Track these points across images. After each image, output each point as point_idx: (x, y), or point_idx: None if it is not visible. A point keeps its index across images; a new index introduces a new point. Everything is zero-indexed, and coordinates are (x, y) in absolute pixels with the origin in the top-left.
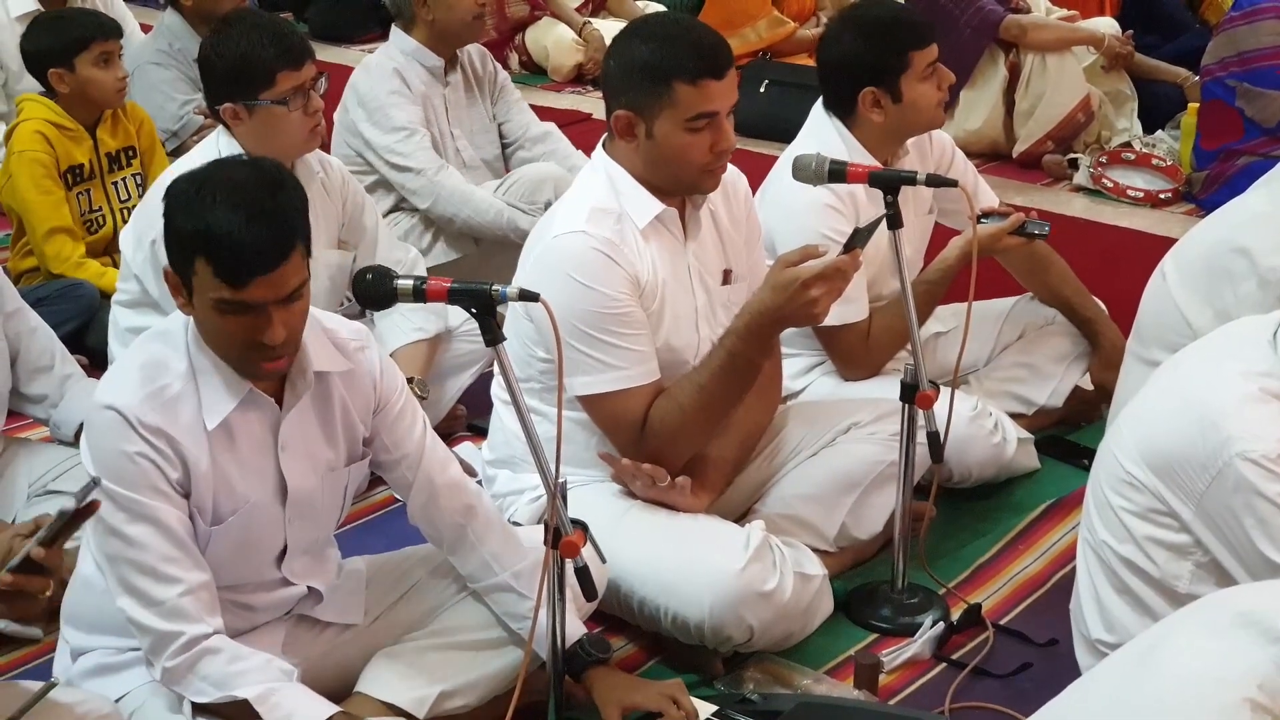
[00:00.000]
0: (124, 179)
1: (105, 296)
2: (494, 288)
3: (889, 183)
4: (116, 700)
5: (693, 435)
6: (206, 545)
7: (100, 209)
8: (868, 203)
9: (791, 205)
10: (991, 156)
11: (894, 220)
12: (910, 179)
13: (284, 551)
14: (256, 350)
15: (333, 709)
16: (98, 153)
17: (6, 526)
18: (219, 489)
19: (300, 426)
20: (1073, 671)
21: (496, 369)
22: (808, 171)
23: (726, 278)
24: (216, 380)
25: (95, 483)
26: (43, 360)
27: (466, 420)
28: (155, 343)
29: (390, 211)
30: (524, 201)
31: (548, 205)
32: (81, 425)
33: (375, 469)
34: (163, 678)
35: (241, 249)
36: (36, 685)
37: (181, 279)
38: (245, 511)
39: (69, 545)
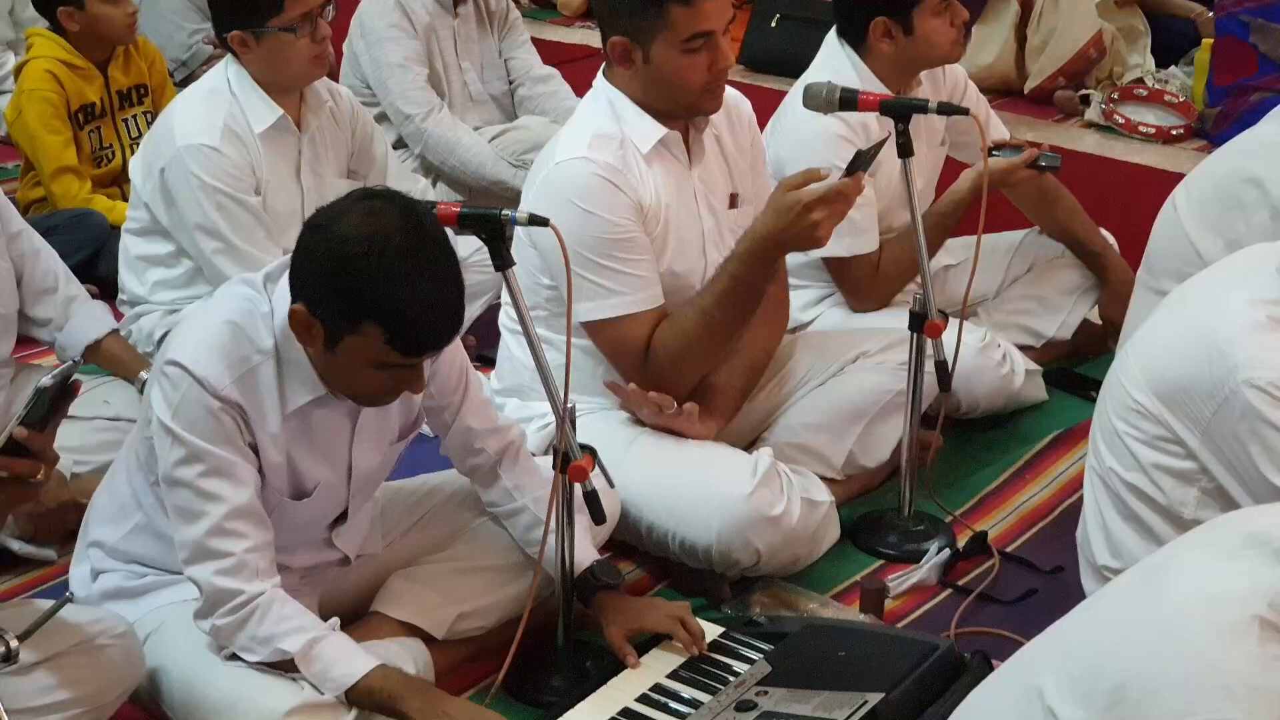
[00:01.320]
0: (135, 116)
1: (115, 226)
2: (503, 212)
3: (900, 111)
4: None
5: (696, 360)
6: (272, 513)
7: (110, 146)
8: (879, 132)
9: (802, 135)
10: (1003, 92)
11: (905, 149)
12: (922, 106)
13: (341, 518)
14: (387, 396)
15: (372, 663)
16: (109, 90)
17: None
18: (289, 469)
19: (375, 412)
20: (1078, 598)
21: (505, 296)
22: (818, 99)
23: (733, 201)
24: (300, 374)
25: (75, 364)
26: (47, 282)
27: (475, 351)
28: (240, 307)
29: (394, 147)
30: (514, 156)
31: None
32: (86, 347)
33: (424, 414)
34: (212, 634)
35: (432, 328)
36: (48, 603)
37: (329, 329)
38: (317, 492)
39: (82, 469)
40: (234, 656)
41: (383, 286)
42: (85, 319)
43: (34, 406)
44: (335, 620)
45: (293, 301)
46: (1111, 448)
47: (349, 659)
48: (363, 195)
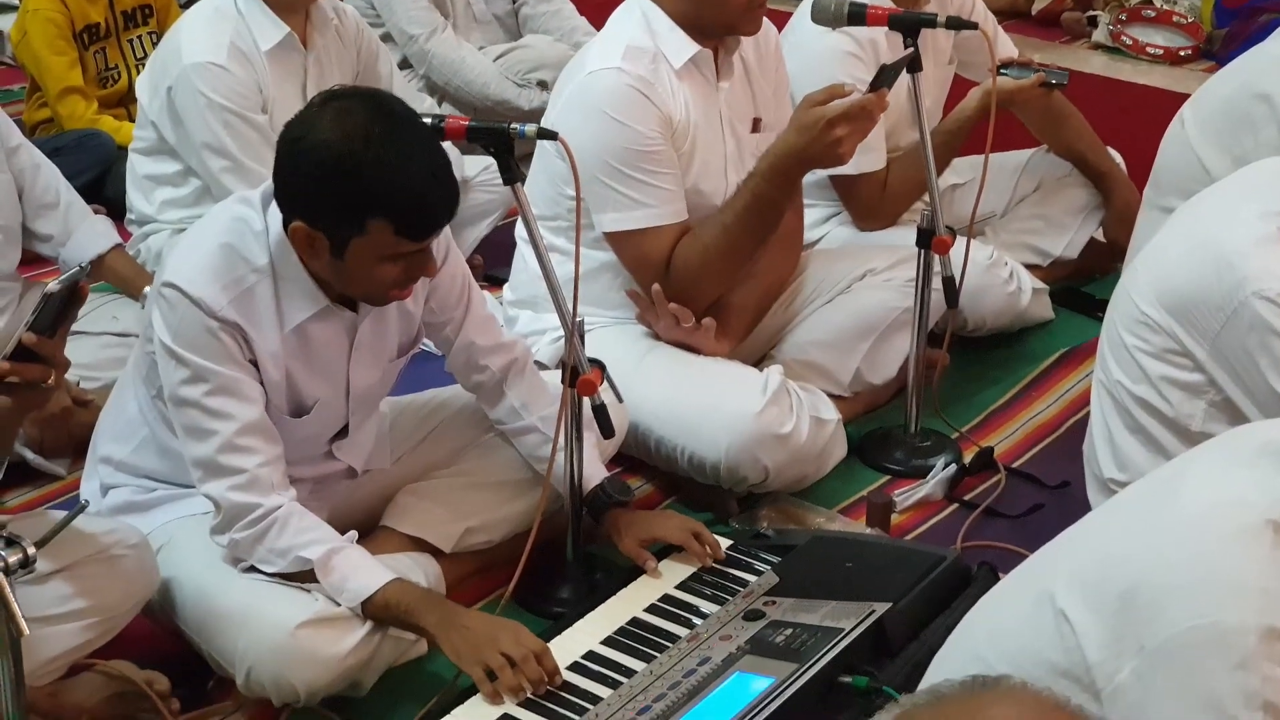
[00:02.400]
0: (140, 36)
1: (122, 147)
2: (513, 126)
3: (909, 25)
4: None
5: (716, 277)
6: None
7: (116, 67)
8: (888, 50)
9: (812, 52)
10: (1010, 14)
11: (913, 64)
12: (930, 21)
13: (342, 432)
14: (402, 286)
15: (389, 576)
16: (113, 11)
17: None
18: (288, 386)
19: (372, 329)
20: (1084, 512)
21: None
22: (827, 13)
23: (756, 125)
24: (298, 288)
25: (83, 269)
26: (48, 197)
27: (483, 270)
28: (234, 226)
29: (399, 68)
30: (519, 76)
31: (541, 85)
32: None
33: (424, 330)
34: (230, 548)
35: (433, 208)
36: (62, 515)
37: (333, 237)
38: (315, 408)
39: (91, 385)
40: (251, 569)
41: (378, 179)
42: (88, 234)
43: (42, 312)
44: (353, 533)
45: (288, 220)
46: (1119, 361)
47: (367, 571)
48: (325, 99)
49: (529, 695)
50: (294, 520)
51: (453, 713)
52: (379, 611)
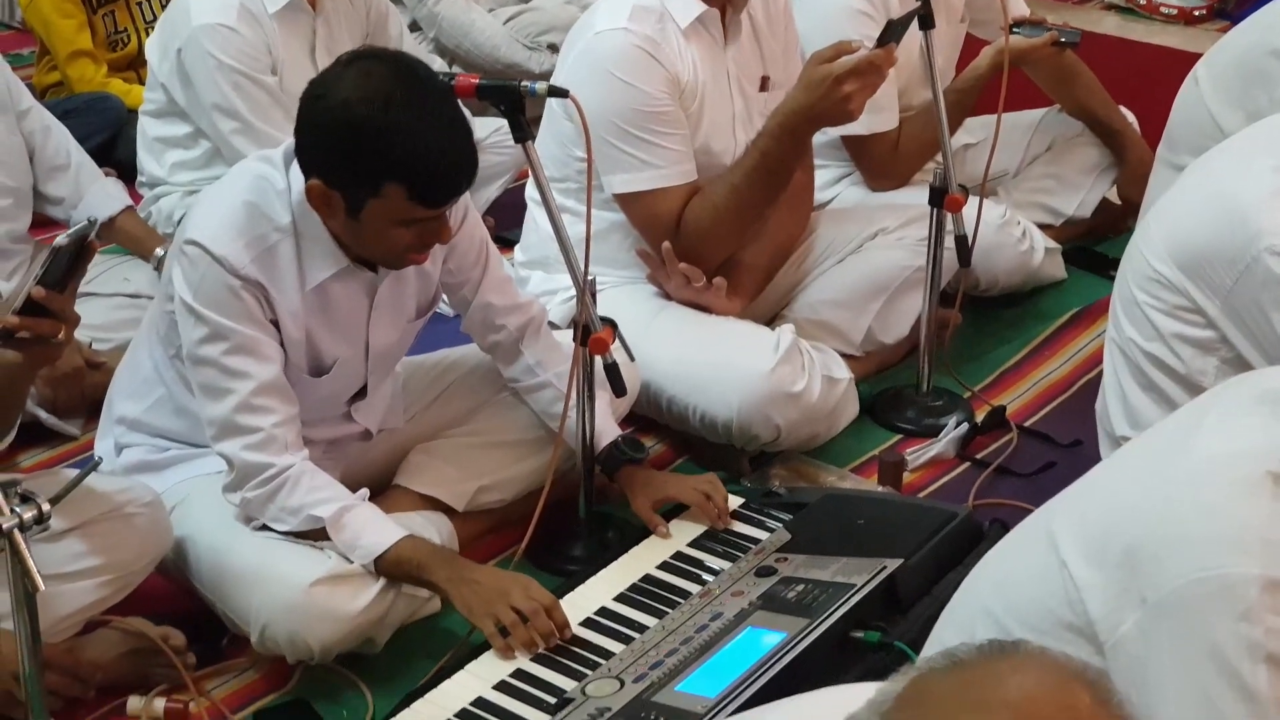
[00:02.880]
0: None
1: (132, 110)
2: (523, 84)
3: None
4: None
5: (725, 236)
6: (293, 389)
7: (125, 30)
8: (899, 8)
9: (821, 9)
10: None
11: (925, 20)
12: None
13: (360, 393)
14: (416, 251)
15: (401, 533)
16: None
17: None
18: (308, 346)
19: (391, 289)
20: None
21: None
22: None
23: (764, 84)
24: (319, 248)
25: (91, 224)
26: (59, 159)
27: (495, 232)
28: (256, 185)
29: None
30: (529, 38)
31: (551, 48)
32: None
33: (442, 290)
34: (241, 506)
35: (449, 175)
36: (76, 473)
37: (349, 198)
38: (335, 368)
39: (104, 346)
40: (264, 528)
41: (396, 143)
42: (99, 196)
43: (51, 266)
44: (364, 491)
45: (306, 178)
46: (1131, 318)
47: (379, 528)
48: (350, 59)
49: (541, 649)
50: (305, 479)
51: (467, 667)
52: (391, 568)
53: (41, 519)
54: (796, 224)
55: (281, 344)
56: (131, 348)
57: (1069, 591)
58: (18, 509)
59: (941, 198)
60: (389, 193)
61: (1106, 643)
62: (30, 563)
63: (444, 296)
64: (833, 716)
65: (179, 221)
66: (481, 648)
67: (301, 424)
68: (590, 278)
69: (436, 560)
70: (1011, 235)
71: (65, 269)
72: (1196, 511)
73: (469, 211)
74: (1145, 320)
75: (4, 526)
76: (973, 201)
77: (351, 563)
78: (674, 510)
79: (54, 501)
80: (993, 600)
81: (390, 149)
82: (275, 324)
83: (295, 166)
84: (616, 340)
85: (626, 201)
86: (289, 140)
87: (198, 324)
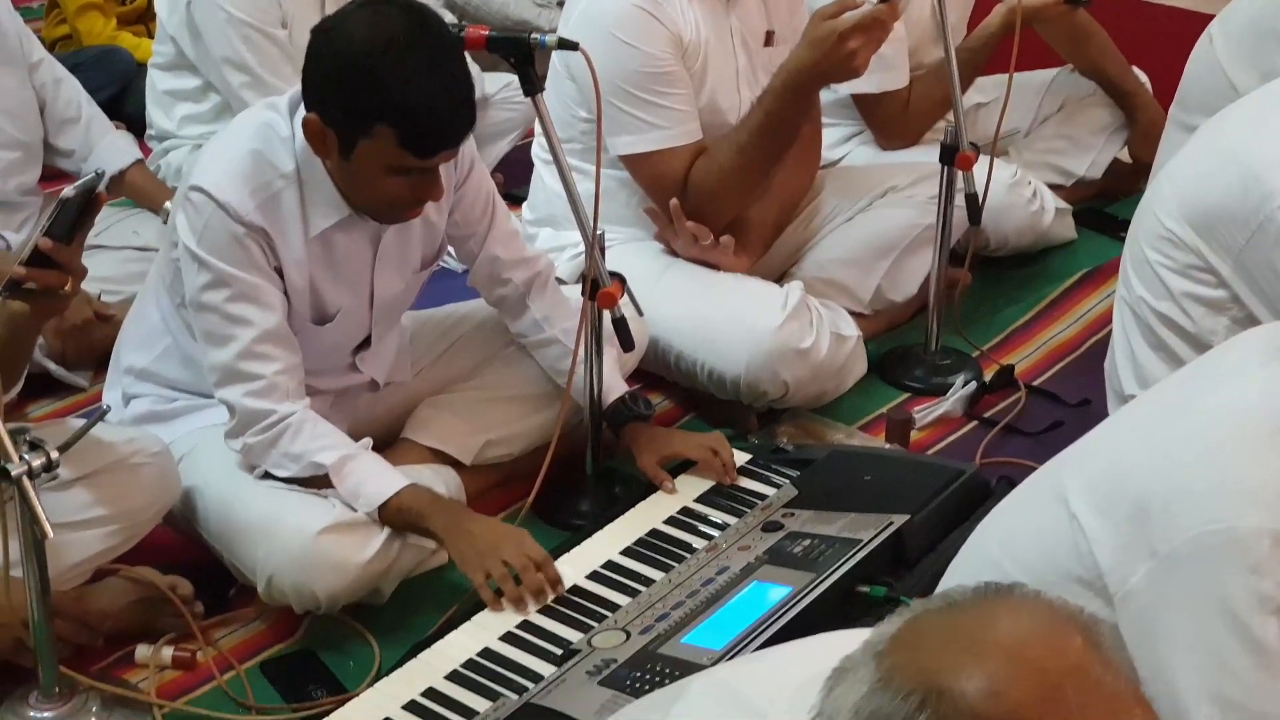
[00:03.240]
0: None
1: (141, 64)
2: (533, 36)
3: None
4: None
5: (732, 195)
6: (296, 337)
7: None
8: None
9: None
10: None
11: None
12: None
13: (364, 344)
14: (409, 205)
15: (404, 482)
16: None
17: (4, 254)
18: (312, 294)
19: (396, 239)
20: None
21: (537, 127)
22: None
23: (769, 39)
24: (322, 195)
25: (98, 175)
26: (69, 112)
27: (503, 188)
28: (262, 132)
29: None
30: None
31: (560, 4)
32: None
33: (448, 242)
34: (243, 452)
35: (441, 125)
36: (83, 423)
37: (342, 136)
38: (338, 317)
39: (112, 299)
40: (267, 476)
41: (390, 86)
42: (109, 150)
43: (58, 218)
44: (368, 440)
45: (306, 111)
46: (1142, 277)
47: (382, 476)
48: (367, 1)
49: (532, 606)
50: (308, 427)
51: (473, 619)
52: (393, 516)
53: (50, 466)
54: (803, 180)
55: (285, 292)
56: (139, 298)
57: (1079, 544)
58: (26, 456)
59: (953, 155)
60: (379, 134)
61: (1116, 594)
62: (39, 509)
63: (451, 250)
64: (829, 659)
65: None
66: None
67: (307, 374)
68: (599, 232)
69: (436, 508)
70: (1022, 195)
71: (72, 221)
72: (1207, 465)
73: (475, 164)
74: (1156, 279)
75: (13, 473)
76: (983, 160)
77: (356, 512)
78: (680, 467)
79: (62, 449)
80: (1000, 554)
81: (384, 89)
82: (279, 272)
83: (300, 114)
84: (625, 295)
85: (632, 162)
86: (296, 88)
87: (201, 270)
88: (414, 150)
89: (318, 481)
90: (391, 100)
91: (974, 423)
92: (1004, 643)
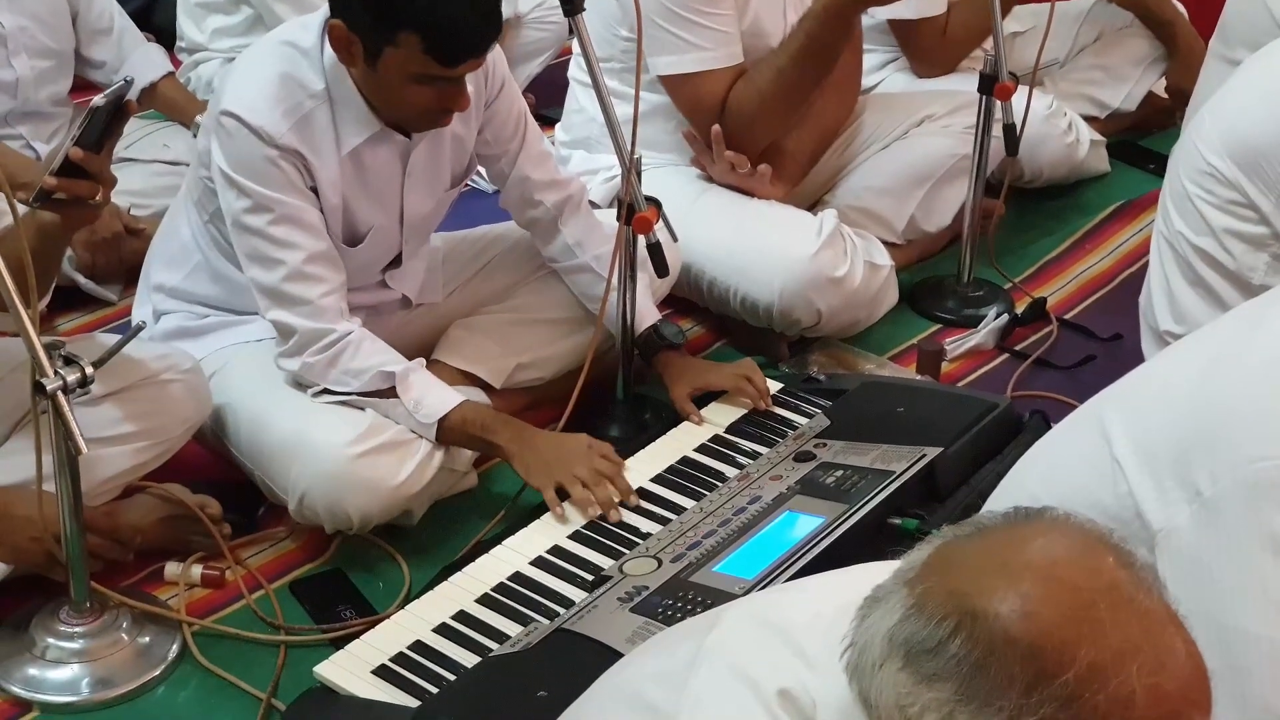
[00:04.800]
0: None
1: None
2: None
3: None
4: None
5: (770, 121)
6: None
7: None
8: None
9: None
10: None
11: None
12: None
13: (395, 261)
14: (436, 115)
15: (460, 396)
16: None
17: (35, 164)
18: (345, 213)
19: (426, 156)
20: (1136, 364)
21: (575, 47)
22: None
23: None
24: (352, 112)
25: (127, 84)
26: (102, 23)
27: (535, 109)
28: (287, 54)
29: None
30: None
31: None
32: (142, 90)
33: (477, 160)
34: (301, 371)
35: (466, 33)
36: (114, 339)
37: (367, 43)
38: (370, 236)
39: (142, 213)
40: (323, 392)
41: None
42: (141, 62)
43: (88, 127)
44: (420, 360)
45: (331, 17)
46: (1182, 211)
47: (442, 390)
48: None
49: (597, 516)
50: (367, 344)
51: (504, 542)
52: (453, 428)
53: (85, 382)
54: (842, 109)
55: (321, 211)
56: (168, 215)
57: (1118, 484)
58: (61, 371)
59: (991, 85)
60: (404, 42)
61: (1158, 533)
62: (74, 425)
63: (482, 170)
64: (863, 589)
65: None
66: (518, 524)
67: None
68: (636, 156)
69: (499, 422)
70: (1057, 127)
71: (102, 130)
72: (1256, 405)
73: (507, 82)
74: (1196, 214)
75: (48, 388)
76: (1021, 90)
77: (392, 422)
78: (709, 396)
79: (97, 365)
80: (1040, 489)
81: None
82: (315, 192)
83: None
84: (660, 220)
85: (671, 84)
86: (324, 8)
87: (240, 195)
88: (439, 58)
89: (376, 394)
90: (417, 7)
91: (1005, 355)
92: (1036, 564)
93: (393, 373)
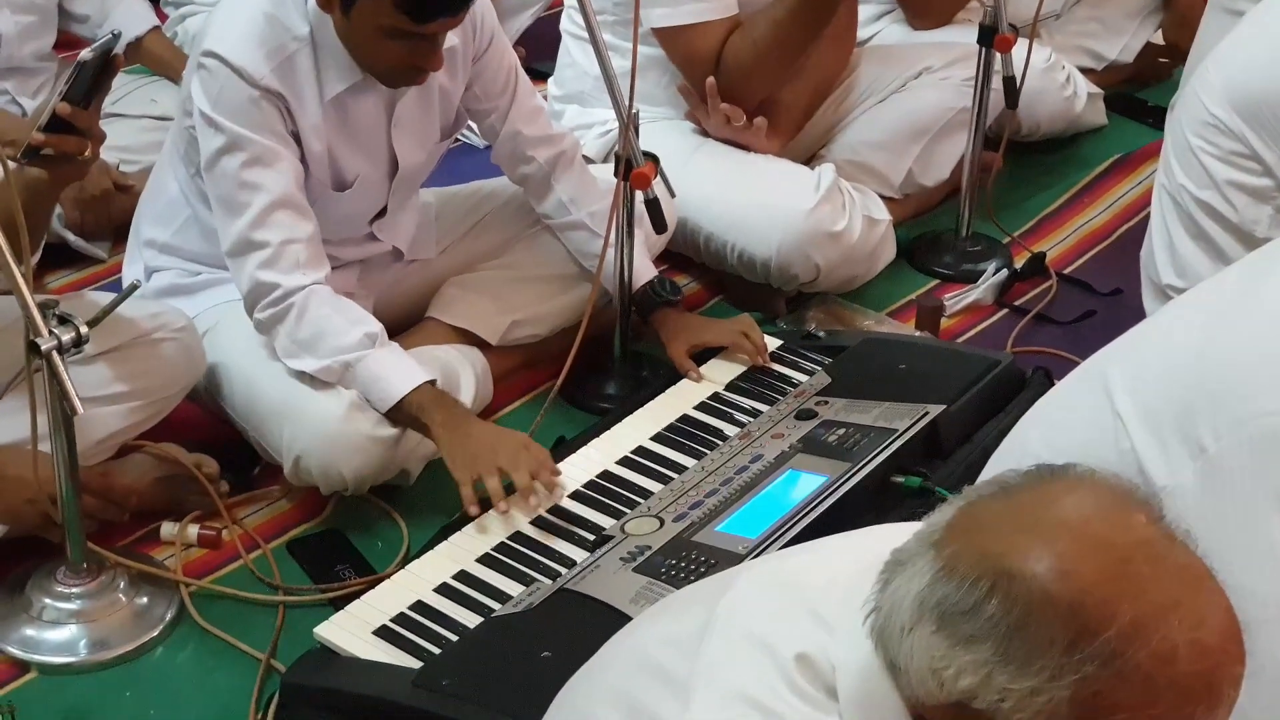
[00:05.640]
0: None
1: None
2: None
3: None
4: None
5: (766, 74)
6: (315, 205)
7: None
8: None
9: None
10: None
11: None
12: None
13: (381, 213)
14: (410, 72)
15: (412, 384)
16: None
17: (21, 121)
18: (330, 160)
19: (413, 107)
20: (1137, 320)
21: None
22: None
23: None
24: (335, 59)
25: (114, 37)
26: None
27: (525, 63)
28: None
29: None
30: None
31: None
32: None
33: (467, 115)
34: (256, 328)
35: None
36: (106, 298)
37: None
38: (356, 184)
39: (130, 168)
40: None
41: None
42: (126, 15)
43: (75, 81)
44: (376, 331)
45: None
46: (1184, 164)
47: (390, 377)
48: None
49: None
50: (312, 306)
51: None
52: (401, 415)
53: (79, 341)
54: (838, 61)
55: (304, 159)
56: (156, 169)
57: (1120, 441)
58: (56, 330)
59: (991, 36)
60: None
61: (1163, 489)
62: (69, 385)
63: (473, 125)
64: (879, 552)
65: None
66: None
67: (327, 244)
68: (635, 110)
69: (438, 406)
70: (1055, 80)
71: (89, 84)
72: (1259, 359)
73: (496, 35)
74: (1199, 166)
75: (43, 348)
76: (1021, 43)
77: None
78: (708, 353)
79: (92, 324)
80: (1041, 447)
81: None
82: (296, 138)
83: None
84: (658, 175)
85: (665, 36)
86: None
87: (216, 134)
88: (409, 14)
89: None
90: None
91: (1004, 311)
92: (1068, 521)
93: (331, 367)
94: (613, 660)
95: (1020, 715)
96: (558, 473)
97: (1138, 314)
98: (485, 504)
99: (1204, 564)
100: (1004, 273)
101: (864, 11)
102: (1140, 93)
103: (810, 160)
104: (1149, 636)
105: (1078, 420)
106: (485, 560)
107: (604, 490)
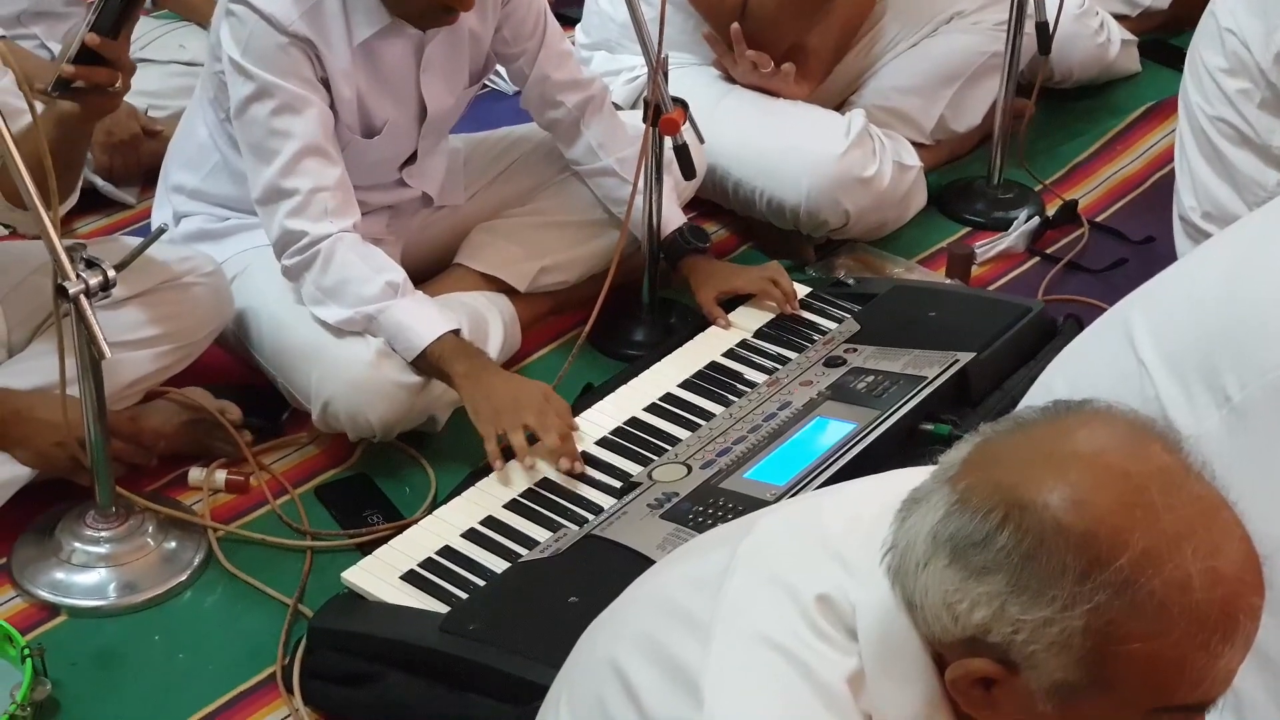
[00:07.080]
0: None
1: None
2: None
3: None
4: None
5: (792, 19)
6: (345, 151)
7: None
8: None
9: None
10: None
11: None
12: None
13: (411, 158)
14: (439, 11)
15: (432, 335)
16: None
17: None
18: (359, 105)
19: (442, 51)
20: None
21: None
22: None
23: None
24: (364, 3)
25: None
26: None
27: (554, 8)
28: None
29: None
30: None
31: None
32: None
33: (495, 59)
34: (284, 275)
35: None
36: (135, 243)
37: None
38: (385, 130)
39: (160, 114)
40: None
41: None
42: None
43: (103, 12)
44: (400, 281)
45: None
46: (1198, 82)
47: (409, 332)
48: None
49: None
50: (339, 253)
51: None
52: (425, 365)
53: (107, 285)
54: (865, 4)
55: (332, 105)
56: (185, 115)
57: (1145, 388)
58: (84, 274)
59: None
60: None
61: (1188, 438)
62: (97, 329)
63: (502, 70)
64: (900, 492)
65: None
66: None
67: (357, 190)
68: (664, 56)
69: (460, 354)
70: (1089, 26)
71: (118, 14)
72: None
73: None
74: (1212, 83)
75: (71, 291)
76: None
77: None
78: (736, 300)
79: (119, 268)
80: (1066, 394)
81: None
82: (326, 84)
83: None
84: (687, 121)
85: None
86: None
87: (245, 81)
88: None
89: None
90: None
91: (1036, 259)
92: (1083, 452)
93: (357, 316)
94: (635, 602)
95: (1034, 647)
96: (575, 427)
97: (1170, 262)
98: (509, 453)
99: (1221, 494)
100: (1035, 220)
101: None
102: (1175, 39)
103: (840, 106)
104: (1162, 564)
105: (1101, 367)
106: (512, 506)
107: (631, 437)
